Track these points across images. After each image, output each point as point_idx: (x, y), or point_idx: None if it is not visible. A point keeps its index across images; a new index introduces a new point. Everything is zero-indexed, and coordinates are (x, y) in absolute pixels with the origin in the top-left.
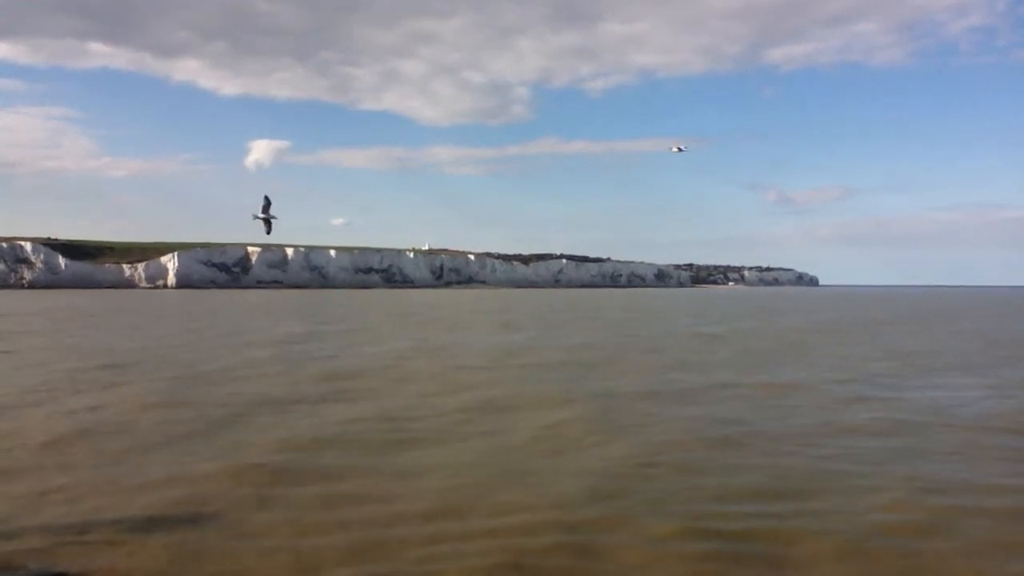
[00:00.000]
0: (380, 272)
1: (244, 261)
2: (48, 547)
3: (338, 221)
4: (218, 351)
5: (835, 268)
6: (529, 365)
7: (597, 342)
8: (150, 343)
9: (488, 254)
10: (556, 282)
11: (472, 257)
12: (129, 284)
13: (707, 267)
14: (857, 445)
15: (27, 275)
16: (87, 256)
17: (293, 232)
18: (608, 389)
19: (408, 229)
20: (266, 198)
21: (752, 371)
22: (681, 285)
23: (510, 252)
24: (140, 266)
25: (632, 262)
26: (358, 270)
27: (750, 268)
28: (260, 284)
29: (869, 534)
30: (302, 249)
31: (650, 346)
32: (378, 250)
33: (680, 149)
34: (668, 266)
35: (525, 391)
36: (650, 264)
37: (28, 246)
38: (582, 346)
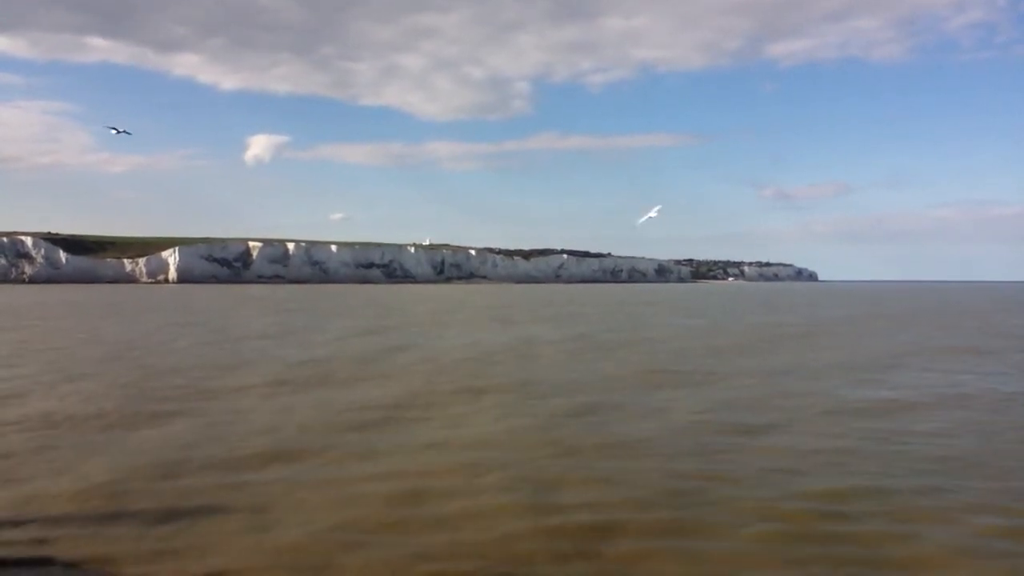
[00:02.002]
0: (381, 267)
1: (245, 256)
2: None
3: (337, 216)
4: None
5: (834, 264)
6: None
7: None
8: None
9: (489, 249)
10: (557, 277)
11: (473, 252)
12: (130, 279)
13: (707, 262)
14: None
15: (28, 270)
16: (88, 251)
17: (292, 227)
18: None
19: (407, 224)
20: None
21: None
22: (681, 280)
23: (511, 247)
24: (141, 261)
25: (633, 257)
26: (359, 265)
27: (750, 264)
28: (261, 279)
29: None
30: (303, 244)
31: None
32: (379, 245)
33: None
34: (668, 261)
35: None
36: (651, 259)
37: (29, 241)
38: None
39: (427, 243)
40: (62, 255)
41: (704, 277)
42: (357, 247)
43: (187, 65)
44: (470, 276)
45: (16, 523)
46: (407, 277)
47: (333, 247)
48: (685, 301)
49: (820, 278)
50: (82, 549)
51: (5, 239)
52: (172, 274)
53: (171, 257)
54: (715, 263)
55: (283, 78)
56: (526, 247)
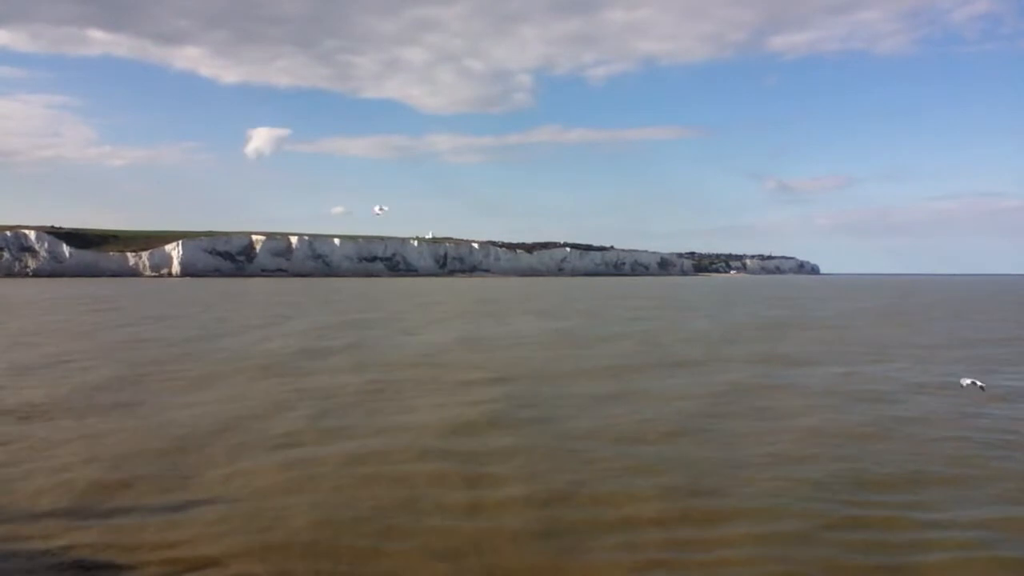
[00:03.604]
0: (384, 260)
1: (248, 249)
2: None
3: (338, 210)
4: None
5: (835, 256)
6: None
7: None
8: None
9: (492, 242)
10: (560, 271)
11: (476, 246)
12: (133, 272)
13: (709, 256)
14: None
15: (32, 264)
16: (91, 245)
17: (293, 220)
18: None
19: (409, 218)
20: None
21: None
22: (684, 273)
23: (514, 241)
24: (144, 254)
25: (635, 251)
26: (362, 259)
27: (752, 256)
28: (264, 272)
29: None
30: (306, 238)
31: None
32: (382, 239)
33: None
34: (671, 254)
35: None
36: (653, 253)
37: (32, 234)
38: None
39: (430, 236)
40: (65, 249)
41: (706, 270)
42: (360, 240)
43: (188, 58)
44: (473, 269)
45: (9, 517)
46: (410, 270)
47: (336, 240)
48: (689, 295)
49: (822, 271)
50: (75, 537)
51: (9, 233)
52: (175, 267)
53: (174, 251)
54: (717, 256)
55: (285, 71)
56: (529, 240)
